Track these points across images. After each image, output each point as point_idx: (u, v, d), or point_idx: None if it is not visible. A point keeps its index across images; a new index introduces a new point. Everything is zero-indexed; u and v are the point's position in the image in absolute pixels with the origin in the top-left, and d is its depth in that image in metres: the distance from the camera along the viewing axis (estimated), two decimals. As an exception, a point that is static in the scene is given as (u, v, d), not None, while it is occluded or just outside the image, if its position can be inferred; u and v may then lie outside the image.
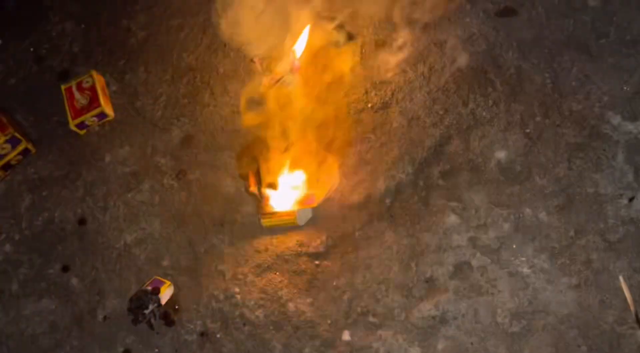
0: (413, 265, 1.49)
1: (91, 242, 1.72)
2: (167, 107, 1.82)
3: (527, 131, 1.54)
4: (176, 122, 1.80)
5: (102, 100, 1.80)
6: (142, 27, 1.95)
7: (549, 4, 1.64)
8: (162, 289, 1.56)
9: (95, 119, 1.80)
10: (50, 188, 1.81)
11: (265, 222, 1.61)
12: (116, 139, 1.82)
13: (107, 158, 1.80)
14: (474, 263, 1.46)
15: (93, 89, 1.81)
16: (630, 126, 1.48)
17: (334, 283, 1.52)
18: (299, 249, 1.58)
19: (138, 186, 1.75)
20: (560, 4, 1.64)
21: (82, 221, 1.75)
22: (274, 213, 1.61)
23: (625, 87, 1.51)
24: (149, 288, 1.56)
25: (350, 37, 1.75)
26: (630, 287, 1.36)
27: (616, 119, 1.49)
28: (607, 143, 1.48)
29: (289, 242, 1.59)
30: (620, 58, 1.55)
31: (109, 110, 1.81)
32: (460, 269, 1.46)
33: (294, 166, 1.62)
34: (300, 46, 1.69)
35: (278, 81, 1.74)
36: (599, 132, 1.50)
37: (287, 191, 1.62)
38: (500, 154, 1.54)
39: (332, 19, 1.78)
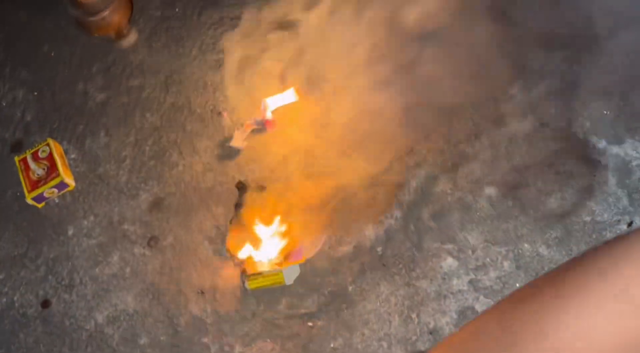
0: (414, 316, 1.39)
1: (57, 325, 1.55)
2: (133, 171, 1.71)
3: (514, 163, 1.50)
4: (143, 187, 1.68)
5: (61, 169, 1.67)
6: (101, 90, 1.85)
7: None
8: (142, 372, 1.40)
9: (54, 190, 1.67)
10: (8, 270, 1.64)
11: (250, 284, 1.49)
12: (79, 209, 1.68)
13: (70, 231, 1.66)
14: (478, 307, 1.38)
15: (50, 158, 1.69)
16: (617, 150, 1.45)
17: (332, 345, 1.40)
18: (290, 311, 1.45)
19: (106, 258, 1.61)
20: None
21: (45, 303, 1.58)
22: (258, 274, 1.49)
23: (605, 111, 1.50)
24: (127, 372, 1.40)
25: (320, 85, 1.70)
26: None
27: (602, 144, 1.47)
28: (596, 169, 1.44)
29: (278, 304, 1.47)
30: (598, 82, 1.54)
31: (69, 179, 1.68)
32: (465, 315, 1.37)
33: (276, 220, 1.52)
34: (275, 101, 1.63)
35: (250, 132, 1.66)
36: (586, 158, 1.46)
37: (272, 248, 1.51)
38: (490, 190, 1.48)
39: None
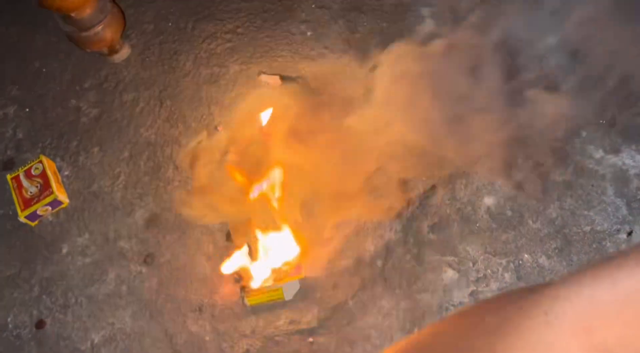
0: (416, 329, 1.38)
1: (52, 347, 1.52)
2: (128, 187, 1.69)
3: (512, 173, 1.49)
4: (139, 203, 1.66)
5: (55, 186, 1.65)
6: (94, 105, 1.83)
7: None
8: (140, 393, 1.37)
9: (48, 207, 1.64)
10: (1, 290, 1.61)
11: (249, 300, 1.47)
12: (73, 227, 1.66)
13: (65, 250, 1.63)
14: (480, 319, 1.36)
15: (43, 175, 1.66)
16: (614, 159, 1.45)
17: (333, 361, 1.38)
18: (290, 327, 1.44)
19: (102, 277, 1.58)
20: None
21: (40, 324, 1.55)
22: (258, 290, 1.47)
23: (601, 120, 1.50)
24: (125, 393, 1.37)
25: (317, 96, 1.70)
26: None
27: (598, 153, 1.47)
28: (594, 178, 1.45)
29: (278, 320, 1.45)
30: (590, 92, 1.54)
31: (62, 197, 1.66)
32: (466, 328, 1.36)
33: (277, 234, 1.50)
34: (266, 111, 1.62)
35: (247, 147, 1.65)
36: (583, 168, 1.46)
37: (271, 263, 1.49)
38: (489, 201, 1.48)
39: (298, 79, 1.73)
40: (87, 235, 1.64)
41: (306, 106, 1.63)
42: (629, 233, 1.37)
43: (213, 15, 1.91)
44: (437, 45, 1.55)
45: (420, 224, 1.49)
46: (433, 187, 1.52)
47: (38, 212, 1.64)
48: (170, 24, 1.93)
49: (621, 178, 1.43)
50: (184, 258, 1.57)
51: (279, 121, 1.64)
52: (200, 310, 1.50)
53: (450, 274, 1.42)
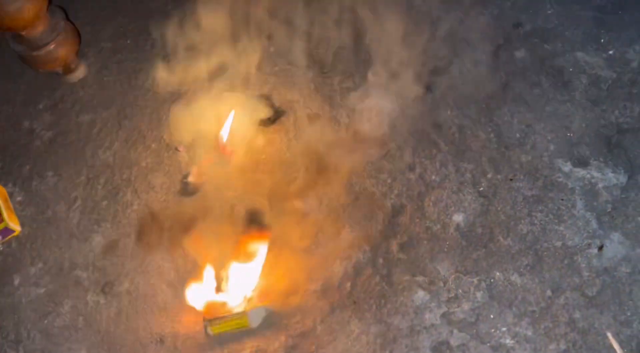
0: (387, 354, 1.33)
1: (3, 386, 1.43)
2: (84, 212, 1.61)
3: (481, 189, 1.46)
4: (96, 229, 1.58)
5: (6, 214, 1.56)
6: (48, 127, 1.75)
7: (477, 59, 1.63)
8: None
9: (-2, 236, 1.56)
10: (-52, 327, 1.51)
11: (213, 329, 1.40)
12: (26, 256, 1.57)
13: (16, 280, 1.54)
14: (453, 342, 1.32)
15: (-7, 202, 1.58)
16: (582, 172, 1.43)
17: (302, 391, 1.32)
18: (256, 356, 1.37)
19: (56, 308, 1.50)
20: (487, 58, 1.62)
21: (-11, 362, 1.46)
22: (222, 318, 1.40)
23: (568, 134, 1.48)
24: None
25: (280, 113, 1.65)
26: (620, 343, 1.26)
27: (567, 167, 1.45)
28: (563, 192, 1.42)
29: (243, 350, 1.38)
30: (557, 105, 1.53)
31: (14, 224, 1.57)
32: (439, 351, 1.31)
33: (240, 258, 1.44)
34: (226, 129, 1.56)
35: (209, 167, 1.59)
36: (553, 181, 1.44)
37: (235, 289, 1.43)
38: (459, 218, 1.44)
39: (260, 96, 1.68)
40: (40, 264, 1.56)
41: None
42: (600, 248, 1.35)
43: (173, 32, 1.85)
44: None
45: (389, 243, 1.44)
46: (402, 205, 1.48)
47: (-12, 242, 1.55)
48: (128, 41, 1.87)
49: (590, 191, 1.41)
50: (144, 286, 1.50)
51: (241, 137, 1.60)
52: (161, 341, 1.42)
53: (421, 295, 1.38)
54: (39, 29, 1.62)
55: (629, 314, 1.28)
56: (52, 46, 1.65)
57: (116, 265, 1.53)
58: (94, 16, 1.95)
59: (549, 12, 1.67)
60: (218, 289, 1.43)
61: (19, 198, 1.65)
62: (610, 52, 1.58)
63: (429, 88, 1.61)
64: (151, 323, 1.45)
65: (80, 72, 1.80)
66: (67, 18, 1.72)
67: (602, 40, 1.59)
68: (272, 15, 1.75)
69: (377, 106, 1.59)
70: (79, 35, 1.77)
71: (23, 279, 1.54)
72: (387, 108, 1.59)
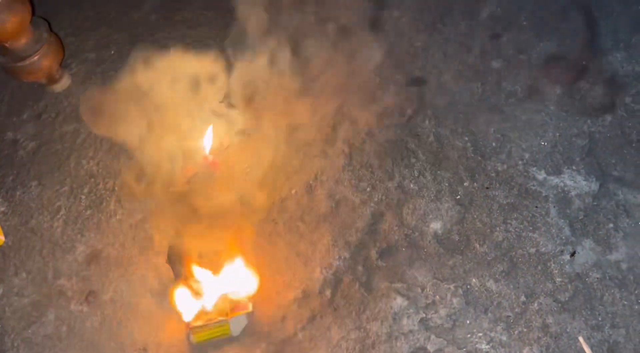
0: (366, 360, 1.35)
1: (-13, 396, 1.43)
2: (68, 222, 1.62)
3: (458, 197, 1.50)
4: (80, 238, 1.59)
5: (-11, 224, 1.57)
6: (32, 137, 1.76)
7: (454, 70, 1.66)
8: None
9: (-19, 247, 1.57)
10: None
11: (195, 337, 1.42)
12: (9, 267, 1.58)
13: (0, 290, 1.55)
14: (430, 347, 1.35)
15: (-23, 213, 1.59)
16: (555, 180, 1.47)
17: (283, 397, 1.34)
18: (238, 364, 1.39)
19: (40, 318, 1.51)
20: (464, 69, 1.66)
21: (-27, 372, 1.47)
22: (204, 326, 1.42)
23: (542, 142, 1.52)
24: None
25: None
26: (592, 347, 1.30)
27: (541, 175, 1.49)
28: (537, 200, 1.46)
29: (225, 357, 1.40)
30: (532, 115, 1.57)
31: (-2, 235, 1.58)
32: (417, 356, 1.34)
33: (220, 266, 1.46)
34: (208, 142, 1.58)
35: (192, 176, 1.61)
36: (527, 189, 1.48)
37: (217, 297, 1.44)
38: (436, 225, 1.48)
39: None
40: (24, 274, 1.56)
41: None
42: (572, 254, 1.39)
43: (157, 42, 1.87)
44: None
45: (369, 251, 1.47)
46: (381, 213, 1.51)
47: (-29, 252, 1.56)
48: (112, 52, 1.89)
49: (563, 199, 1.45)
50: (128, 295, 1.51)
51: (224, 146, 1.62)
52: (145, 350, 1.44)
53: (399, 301, 1.41)
54: (22, 41, 1.63)
55: (600, 319, 1.32)
56: (35, 57, 1.66)
57: (100, 275, 1.54)
58: (78, 27, 1.96)
59: (524, 23, 1.72)
60: (197, 294, 1.44)
61: (2, 208, 1.66)
62: (583, 63, 1.62)
63: (407, 98, 1.65)
64: (134, 332, 1.46)
65: (64, 83, 1.81)
66: (51, 29, 1.73)
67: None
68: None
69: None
70: (62, 46, 1.78)
71: (7, 289, 1.55)
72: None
